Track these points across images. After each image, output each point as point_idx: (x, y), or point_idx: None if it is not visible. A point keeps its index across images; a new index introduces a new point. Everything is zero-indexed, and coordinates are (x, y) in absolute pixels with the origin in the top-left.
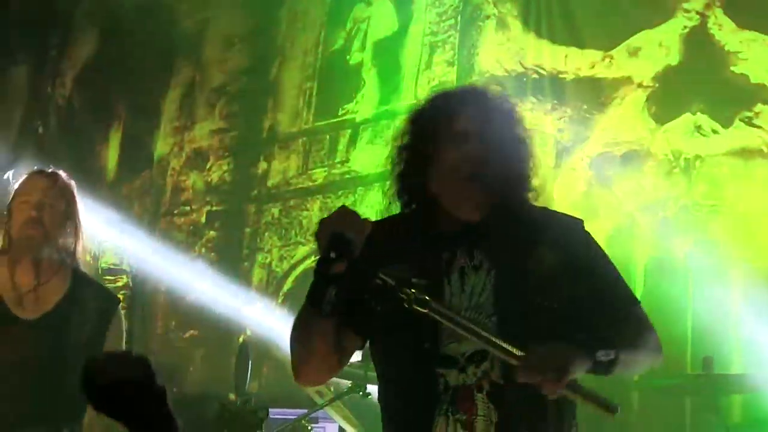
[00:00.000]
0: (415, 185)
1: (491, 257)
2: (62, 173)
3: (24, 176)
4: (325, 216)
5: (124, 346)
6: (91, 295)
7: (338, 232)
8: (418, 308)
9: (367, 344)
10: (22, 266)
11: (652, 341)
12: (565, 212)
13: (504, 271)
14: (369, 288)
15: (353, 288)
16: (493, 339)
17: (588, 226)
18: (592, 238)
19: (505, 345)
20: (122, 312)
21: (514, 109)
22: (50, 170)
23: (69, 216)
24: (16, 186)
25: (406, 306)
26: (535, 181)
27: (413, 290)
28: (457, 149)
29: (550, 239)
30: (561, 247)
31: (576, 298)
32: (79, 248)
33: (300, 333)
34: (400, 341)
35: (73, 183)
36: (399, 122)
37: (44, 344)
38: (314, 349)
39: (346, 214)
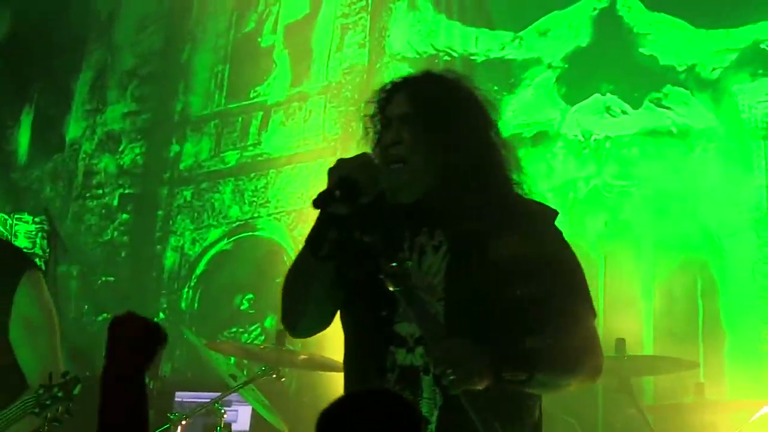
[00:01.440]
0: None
1: (451, 239)
2: None
3: None
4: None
5: (42, 314)
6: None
7: (350, 175)
8: (392, 286)
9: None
10: None
11: (590, 363)
12: (540, 201)
13: (459, 255)
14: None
15: (351, 237)
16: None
17: None
18: (562, 236)
19: (431, 338)
20: (39, 277)
21: (459, 91)
22: None
23: None
24: None
25: (381, 278)
26: (491, 160)
27: (395, 264)
28: (384, 136)
29: (515, 229)
30: (525, 239)
31: (529, 296)
32: None
33: (297, 277)
34: (360, 309)
35: None
36: (312, 105)
37: None
38: (312, 294)
39: (367, 160)
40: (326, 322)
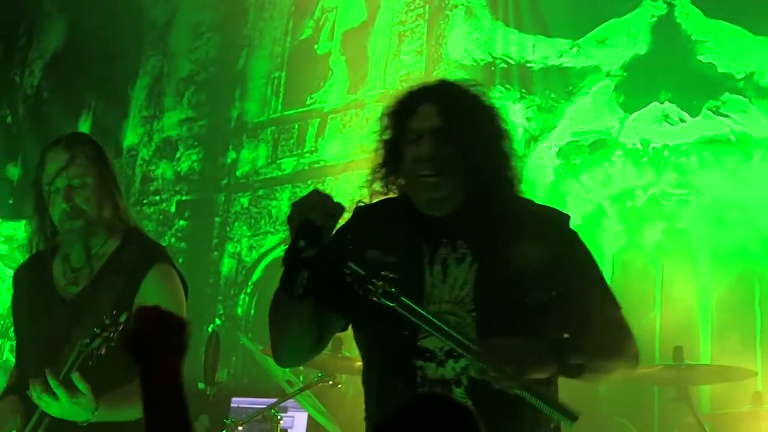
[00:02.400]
0: (388, 180)
1: (474, 250)
2: (77, 137)
3: (42, 155)
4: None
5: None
6: (128, 255)
7: (308, 220)
8: (386, 302)
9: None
10: (74, 252)
11: (629, 350)
12: (552, 206)
13: (486, 266)
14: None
15: (331, 271)
16: (456, 336)
17: None
18: (578, 236)
19: (465, 341)
20: (169, 270)
21: (481, 103)
22: (63, 141)
23: (102, 185)
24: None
25: (374, 299)
26: (512, 172)
27: (381, 282)
28: (412, 148)
29: (536, 235)
30: (546, 243)
31: (557, 298)
32: (122, 208)
33: (275, 315)
34: (380, 328)
35: (92, 143)
36: (369, 112)
37: (78, 319)
38: (290, 330)
39: (317, 198)
40: (314, 350)
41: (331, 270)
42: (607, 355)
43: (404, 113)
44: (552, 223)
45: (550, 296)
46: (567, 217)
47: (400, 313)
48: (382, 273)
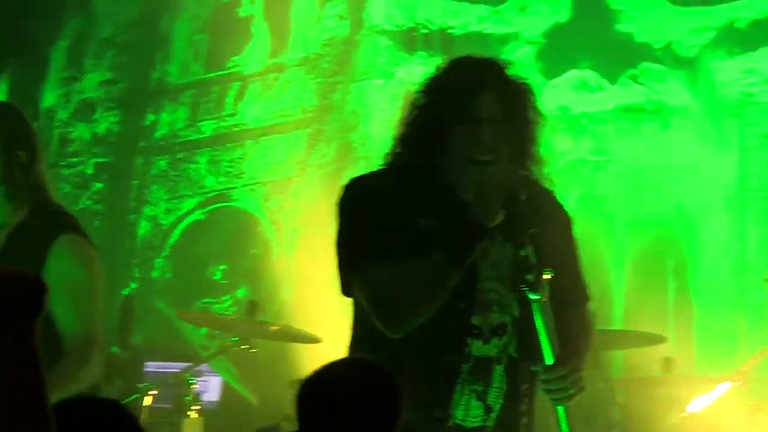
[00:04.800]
0: (423, 164)
1: (507, 231)
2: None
3: None
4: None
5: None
6: (35, 226)
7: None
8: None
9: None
10: None
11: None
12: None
13: (520, 245)
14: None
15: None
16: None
17: None
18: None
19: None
20: (76, 239)
21: (530, 91)
22: None
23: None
24: None
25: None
26: (543, 164)
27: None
28: (469, 130)
29: (555, 223)
30: (560, 232)
31: (558, 282)
32: (37, 173)
33: (422, 288)
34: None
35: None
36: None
37: None
38: (438, 299)
39: (519, 174)
40: None
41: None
42: (590, 347)
43: (464, 92)
44: (562, 210)
45: (566, 281)
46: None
47: (469, 286)
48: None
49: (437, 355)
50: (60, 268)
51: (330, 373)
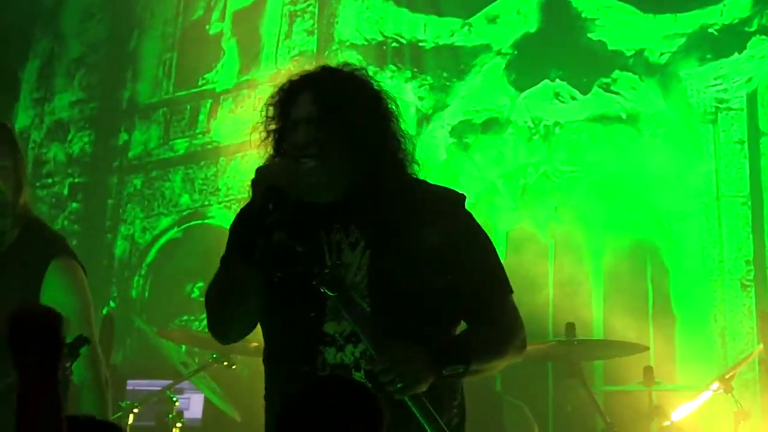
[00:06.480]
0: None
1: (367, 235)
2: None
3: None
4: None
5: (74, 301)
6: (31, 246)
7: (276, 185)
8: (327, 290)
9: None
10: None
11: (517, 341)
12: (446, 186)
13: (380, 251)
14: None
15: (282, 242)
16: (371, 341)
17: None
18: (472, 217)
19: (373, 346)
20: (70, 263)
21: (361, 86)
22: None
23: (20, 169)
24: None
25: (314, 283)
26: (402, 153)
27: (327, 270)
28: (291, 137)
29: (430, 217)
30: (441, 225)
31: (453, 282)
32: (28, 194)
33: (224, 283)
34: (288, 309)
35: (6, 128)
36: (261, 92)
37: None
38: (239, 300)
39: (285, 167)
40: (254, 327)
41: (283, 242)
42: (496, 351)
43: (285, 103)
44: (447, 203)
45: (445, 280)
46: (462, 197)
47: (321, 297)
48: (330, 259)
49: (291, 365)
50: (55, 294)
51: (313, 392)
